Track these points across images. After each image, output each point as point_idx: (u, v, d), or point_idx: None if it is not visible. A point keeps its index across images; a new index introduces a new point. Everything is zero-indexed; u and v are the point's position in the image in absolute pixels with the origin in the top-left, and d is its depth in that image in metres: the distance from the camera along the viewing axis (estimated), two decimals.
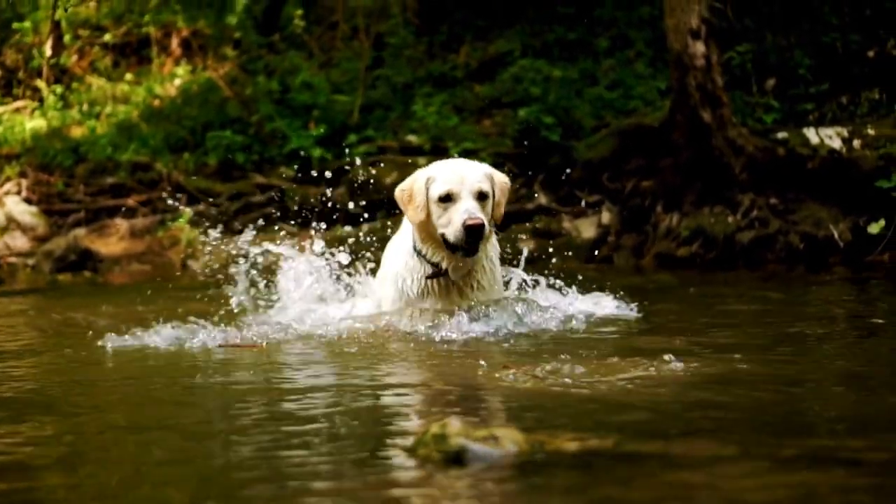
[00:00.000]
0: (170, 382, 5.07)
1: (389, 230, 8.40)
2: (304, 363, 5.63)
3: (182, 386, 5.00)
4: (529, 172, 14.15)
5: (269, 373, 5.28)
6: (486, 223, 6.01)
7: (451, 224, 6.04)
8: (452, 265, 6.29)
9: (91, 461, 3.64)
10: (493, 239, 6.52)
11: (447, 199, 6.11)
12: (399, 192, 6.39)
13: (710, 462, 3.32)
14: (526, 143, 14.25)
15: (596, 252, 12.93)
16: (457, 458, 3.40)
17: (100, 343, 6.16)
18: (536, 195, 13.96)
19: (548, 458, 3.39)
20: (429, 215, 6.21)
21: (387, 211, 14.48)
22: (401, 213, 6.65)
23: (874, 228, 11.47)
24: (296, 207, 15.10)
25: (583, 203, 13.69)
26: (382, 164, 14.98)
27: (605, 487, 3.12)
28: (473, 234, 5.96)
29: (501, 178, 6.40)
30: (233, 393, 4.74)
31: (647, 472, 3.24)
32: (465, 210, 5.99)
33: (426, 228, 6.28)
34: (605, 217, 13.42)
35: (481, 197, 6.14)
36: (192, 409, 4.51)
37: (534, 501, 3.04)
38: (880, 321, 6.81)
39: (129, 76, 18.96)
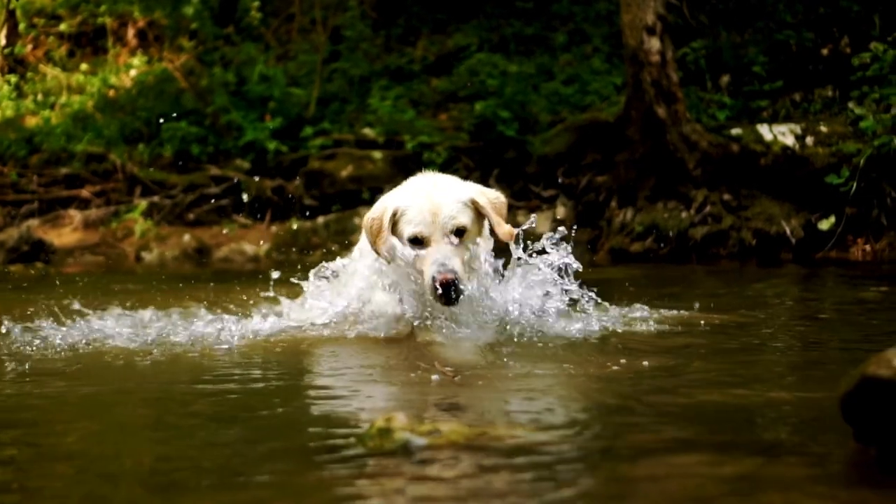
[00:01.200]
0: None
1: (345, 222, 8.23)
2: (264, 360, 5.54)
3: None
4: (485, 166, 14.15)
5: (212, 372, 5.23)
6: (459, 275, 5.33)
7: (424, 274, 5.42)
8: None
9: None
10: (483, 257, 5.76)
11: (417, 241, 5.46)
12: (368, 221, 5.64)
13: (653, 454, 3.34)
14: (482, 137, 14.27)
15: None
16: (401, 452, 3.41)
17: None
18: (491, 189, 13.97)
19: (491, 452, 3.40)
20: (392, 248, 5.57)
21: (342, 204, 14.47)
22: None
23: (824, 225, 11.59)
24: (250, 199, 15.06)
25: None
26: (338, 158, 14.97)
27: (548, 481, 3.14)
28: (446, 290, 5.31)
29: (491, 197, 5.64)
30: (179, 388, 4.71)
31: (589, 464, 3.26)
32: (436, 261, 5.35)
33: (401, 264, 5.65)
34: (560, 212, 13.47)
35: (459, 233, 5.45)
36: (145, 401, 4.48)
37: (477, 495, 3.05)
38: (825, 316, 6.87)
39: (84, 66, 18.82)
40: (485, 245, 5.79)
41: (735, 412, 3.99)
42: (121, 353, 5.54)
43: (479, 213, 5.58)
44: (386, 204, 5.63)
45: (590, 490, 3.03)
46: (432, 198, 5.52)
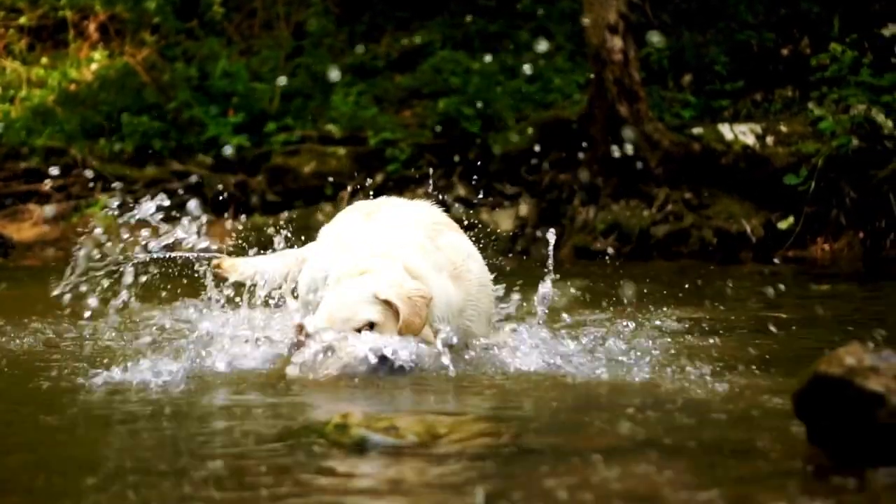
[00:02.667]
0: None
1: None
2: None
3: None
4: (448, 164, 14.15)
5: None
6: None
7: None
8: None
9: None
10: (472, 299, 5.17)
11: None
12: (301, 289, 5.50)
13: (608, 454, 3.37)
14: (446, 134, 14.27)
15: (513, 244, 12.99)
16: (357, 448, 3.43)
17: None
18: (455, 187, 13.98)
19: (448, 449, 3.42)
20: None
21: (304, 200, 14.43)
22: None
23: (783, 224, 11.69)
24: (212, 195, 15.00)
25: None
26: (301, 153, 14.93)
27: (502, 478, 3.15)
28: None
29: (407, 296, 4.79)
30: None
31: (546, 462, 3.28)
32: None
33: None
34: (523, 209, 13.50)
35: (369, 327, 4.77)
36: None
37: (431, 491, 3.06)
38: (783, 315, 6.94)
39: (44, 60, 18.63)
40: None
41: (691, 410, 4.02)
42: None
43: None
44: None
45: (544, 488, 3.05)
46: (335, 301, 4.89)
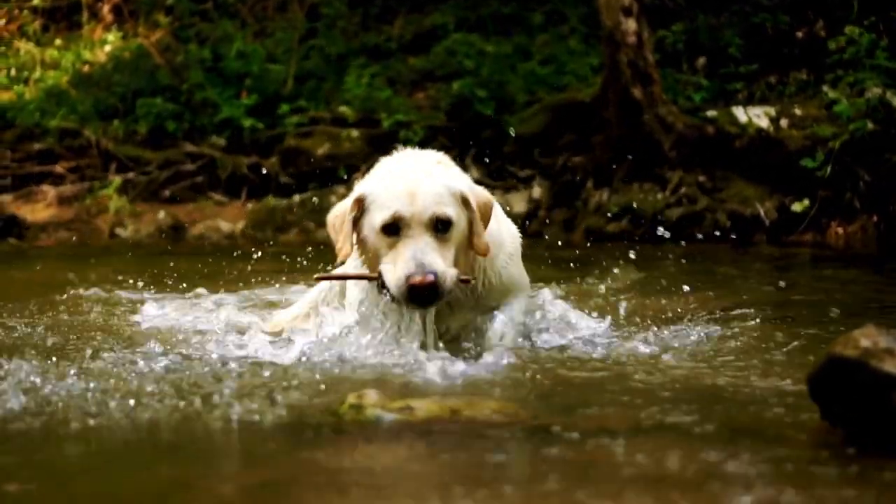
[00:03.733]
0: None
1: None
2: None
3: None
4: (462, 146, 14.13)
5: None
6: (440, 277, 4.30)
7: (394, 271, 4.37)
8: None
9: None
10: (508, 241, 5.01)
11: (392, 229, 4.44)
12: (331, 219, 4.73)
13: (623, 435, 3.37)
14: (459, 116, 14.26)
15: (526, 226, 12.98)
16: (372, 427, 3.44)
17: None
18: (468, 169, 13.97)
19: (462, 428, 3.43)
20: (364, 245, 4.65)
21: (318, 183, 14.43)
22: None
23: (798, 207, 11.65)
24: (226, 177, 15.03)
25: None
26: (314, 135, 14.92)
27: (519, 456, 3.17)
28: (419, 297, 4.33)
29: (479, 195, 4.66)
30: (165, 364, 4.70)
31: (558, 443, 3.29)
32: (412, 258, 4.32)
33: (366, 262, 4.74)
34: (537, 192, 13.48)
35: (442, 226, 4.45)
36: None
37: (446, 470, 3.07)
38: (798, 297, 6.93)
39: (58, 41, 18.65)
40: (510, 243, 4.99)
41: (705, 392, 4.03)
42: None
43: (467, 211, 4.56)
44: (353, 193, 4.70)
45: (556, 468, 3.05)
46: (410, 180, 4.53)
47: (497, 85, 14.45)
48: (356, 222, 4.59)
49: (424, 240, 4.37)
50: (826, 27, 13.45)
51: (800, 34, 13.82)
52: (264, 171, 14.89)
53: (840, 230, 11.62)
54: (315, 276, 4.99)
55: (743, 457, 3.10)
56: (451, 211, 4.46)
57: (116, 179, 15.25)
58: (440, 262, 4.34)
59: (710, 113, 12.65)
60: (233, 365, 4.59)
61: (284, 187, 14.66)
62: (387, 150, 5.10)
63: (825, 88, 12.40)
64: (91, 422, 3.60)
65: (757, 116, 12.35)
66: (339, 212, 4.67)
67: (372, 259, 4.57)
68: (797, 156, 11.80)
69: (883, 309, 6.48)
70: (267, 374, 4.38)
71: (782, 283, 7.73)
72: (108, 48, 18.15)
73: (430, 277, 4.26)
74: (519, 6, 16.36)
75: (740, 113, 12.47)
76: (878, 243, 11.13)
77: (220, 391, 4.00)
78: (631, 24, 12.32)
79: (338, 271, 5.15)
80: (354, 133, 14.73)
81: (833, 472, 2.98)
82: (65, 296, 6.89)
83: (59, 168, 15.91)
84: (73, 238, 14.31)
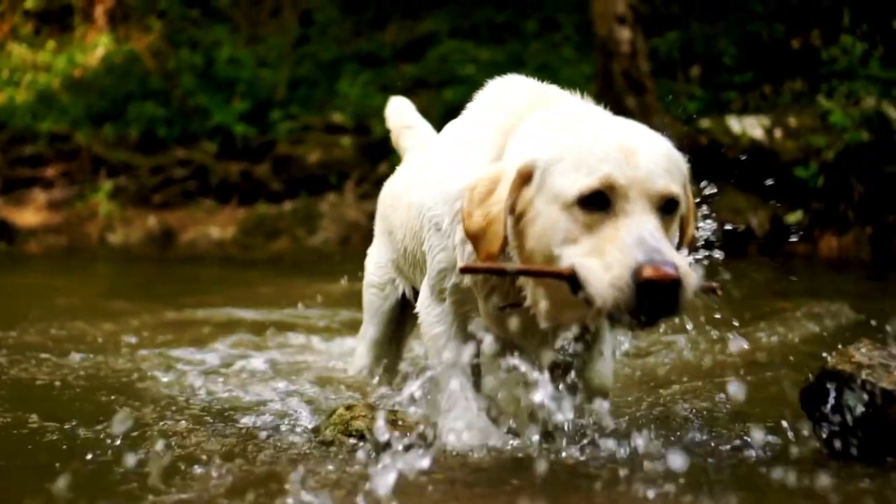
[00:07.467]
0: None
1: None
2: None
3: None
4: None
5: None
6: (685, 275, 2.80)
7: (605, 263, 2.84)
8: (553, 311, 3.15)
9: None
10: None
11: (594, 202, 2.94)
12: (469, 203, 3.13)
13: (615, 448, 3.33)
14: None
15: None
16: (360, 439, 3.40)
17: None
18: None
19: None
20: (528, 233, 3.08)
21: (309, 190, 14.39)
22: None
23: (791, 218, 11.62)
24: (217, 183, 15.00)
25: None
26: (306, 142, 14.90)
27: (507, 470, 3.12)
28: (655, 301, 2.79)
29: (683, 165, 3.21)
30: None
31: (548, 459, 3.24)
32: (638, 241, 2.84)
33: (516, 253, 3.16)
34: None
35: (668, 207, 3.02)
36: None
37: (436, 483, 3.03)
38: (791, 310, 6.88)
39: (50, 44, 18.61)
40: None
41: (696, 403, 3.99)
42: None
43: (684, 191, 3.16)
44: (512, 156, 3.20)
45: (545, 484, 3.01)
46: (620, 134, 3.11)
47: None
48: (513, 204, 3.09)
49: (649, 219, 2.91)
50: (821, 37, 13.44)
51: (795, 44, 13.80)
52: (255, 178, 14.86)
53: (833, 241, 11.59)
54: (460, 266, 3.25)
55: (733, 465, 3.06)
56: (677, 187, 3.05)
57: (107, 184, 15.21)
58: (678, 255, 2.89)
59: (704, 122, 12.63)
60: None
61: (275, 194, 14.62)
62: (379, 159, 4.67)
63: (820, 98, 12.38)
64: None
65: (751, 126, 12.33)
66: (483, 189, 3.12)
67: (541, 252, 3.03)
68: (791, 166, 11.77)
69: (877, 322, 6.43)
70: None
71: (775, 295, 7.69)
72: (100, 52, 18.11)
73: (671, 271, 2.76)
74: (513, 14, 16.35)
75: (734, 123, 12.44)
76: (872, 254, 11.10)
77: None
78: (625, 33, 12.30)
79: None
80: (346, 140, 14.70)
81: (824, 485, 2.93)
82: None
83: (49, 172, 15.86)
84: (63, 243, 14.25)
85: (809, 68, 13.18)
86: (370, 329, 4.51)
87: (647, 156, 2.99)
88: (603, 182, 2.91)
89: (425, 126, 4.78)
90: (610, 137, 3.04)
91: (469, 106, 3.63)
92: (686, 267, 2.80)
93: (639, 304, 2.75)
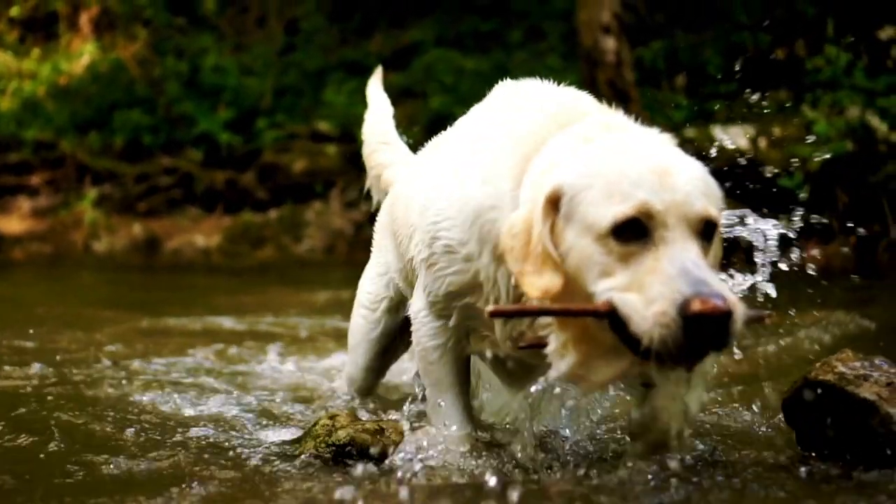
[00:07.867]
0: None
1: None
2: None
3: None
4: None
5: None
6: (734, 308, 2.63)
7: (647, 297, 2.67)
8: (579, 369, 2.93)
9: None
10: None
11: (630, 231, 2.76)
12: (508, 240, 2.93)
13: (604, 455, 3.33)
14: (436, 133, 14.20)
15: None
16: (344, 448, 3.39)
17: None
18: None
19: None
20: (562, 271, 2.86)
21: (294, 198, 14.37)
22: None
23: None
24: (202, 191, 14.97)
25: None
26: (291, 150, 14.88)
27: (495, 477, 3.11)
28: (704, 337, 2.62)
29: (716, 186, 3.06)
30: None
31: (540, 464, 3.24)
32: (682, 272, 2.66)
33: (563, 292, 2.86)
34: None
35: (706, 232, 2.86)
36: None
37: (417, 492, 3.02)
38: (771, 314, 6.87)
39: (35, 52, 18.56)
40: None
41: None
42: None
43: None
44: (542, 187, 2.94)
45: (538, 490, 3.01)
46: (653, 156, 2.95)
47: (475, 102, 14.42)
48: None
49: (691, 247, 2.75)
50: (806, 47, 13.48)
51: (780, 54, 13.84)
52: (241, 186, 14.84)
53: (817, 251, 11.61)
54: (488, 309, 2.93)
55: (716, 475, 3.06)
56: (715, 210, 2.90)
57: (92, 192, 15.17)
58: (723, 284, 2.82)
59: (689, 132, 12.64)
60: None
61: (261, 202, 14.60)
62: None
63: (804, 108, 12.42)
64: None
65: (736, 136, 12.35)
66: (519, 226, 2.91)
67: (577, 290, 2.83)
68: (776, 176, 11.79)
69: (860, 332, 6.45)
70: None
71: (758, 306, 7.69)
72: (85, 60, 18.07)
73: (720, 303, 2.59)
74: (498, 23, 16.37)
75: (719, 132, 12.46)
76: (857, 265, 11.12)
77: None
78: (610, 43, 12.32)
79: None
80: (332, 149, 14.69)
81: (804, 495, 2.94)
82: None
83: (34, 180, 15.82)
84: (48, 251, 14.22)
85: (794, 78, 13.21)
86: (356, 358, 4.23)
87: (682, 177, 2.84)
88: (639, 209, 2.73)
89: (401, 143, 4.69)
90: (641, 158, 2.88)
91: (481, 114, 3.56)
92: (734, 297, 2.64)
93: (691, 340, 2.58)
